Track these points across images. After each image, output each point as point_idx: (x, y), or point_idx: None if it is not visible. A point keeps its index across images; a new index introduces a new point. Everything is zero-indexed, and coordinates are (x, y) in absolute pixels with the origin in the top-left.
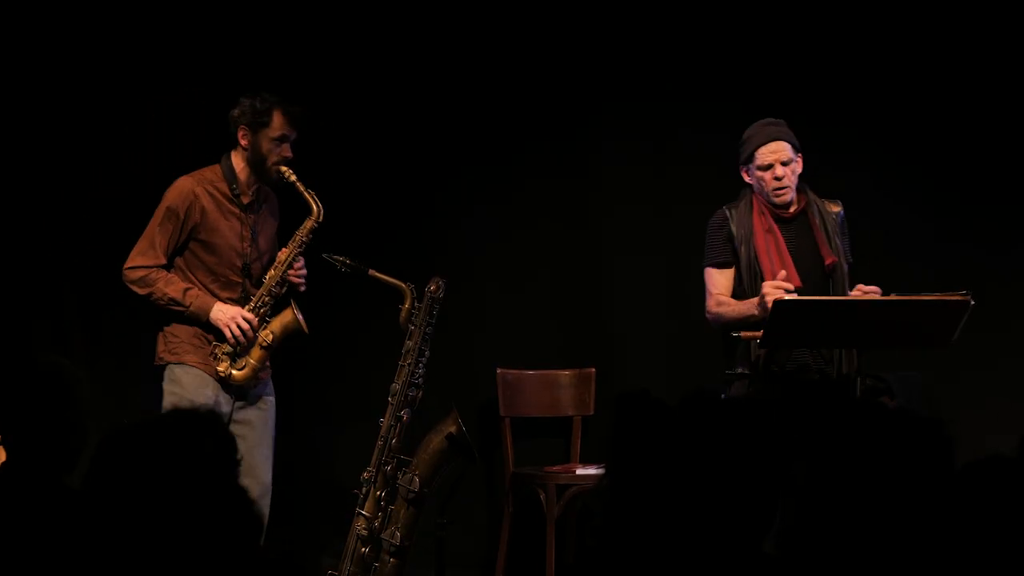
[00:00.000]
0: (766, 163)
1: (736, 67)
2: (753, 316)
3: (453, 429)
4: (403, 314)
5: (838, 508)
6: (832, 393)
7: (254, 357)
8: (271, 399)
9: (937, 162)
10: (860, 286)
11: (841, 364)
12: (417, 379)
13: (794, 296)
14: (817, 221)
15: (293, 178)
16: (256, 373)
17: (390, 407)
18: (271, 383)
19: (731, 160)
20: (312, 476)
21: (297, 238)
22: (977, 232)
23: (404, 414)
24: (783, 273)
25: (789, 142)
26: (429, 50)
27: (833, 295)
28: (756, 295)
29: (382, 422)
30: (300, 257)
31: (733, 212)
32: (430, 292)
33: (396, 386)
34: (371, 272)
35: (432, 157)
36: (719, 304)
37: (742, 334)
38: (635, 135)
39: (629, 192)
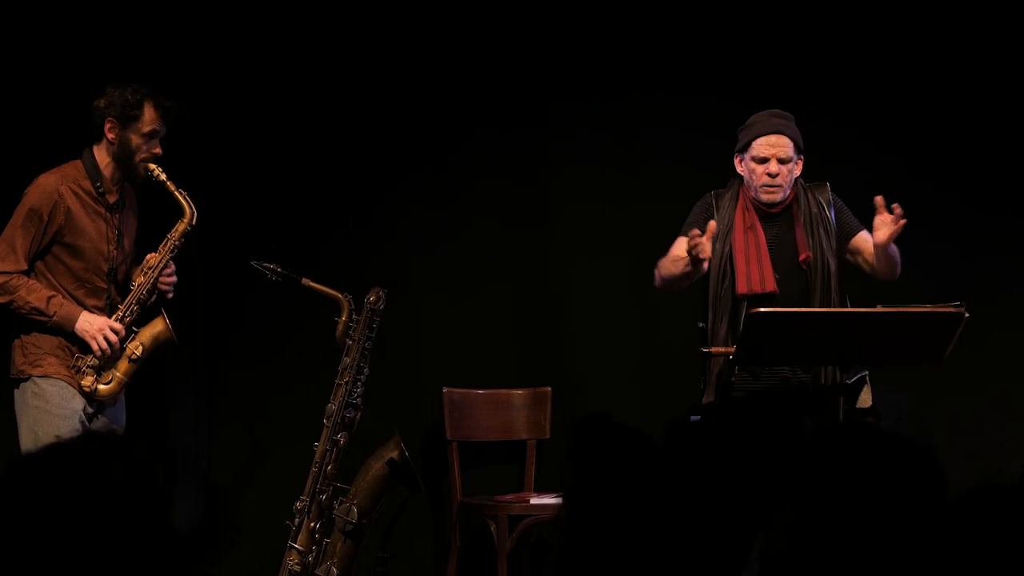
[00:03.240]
0: (762, 155)
1: (705, 57)
2: (686, 274)
3: (395, 454)
4: (340, 327)
5: (821, 540)
6: (813, 414)
7: (121, 370)
8: (123, 417)
9: (932, 162)
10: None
11: (824, 381)
12: (355, 399)
13: (767, 310)
14: (802, 216)
15: (163, 177)
16: (122, 387)
17: (326, 430)
18: (124, 402)
19: (699, 156)
20: (240, 506)
21: (169, 242)
22: (975, 238)
23: (341, 438)
24: (711, 225)
25: (793, 139)
26: (366, 41)
27: (811, 293)
28: (723, 293)
29: (317, 446)
30: (171, 262)
31: (719, 202)
32: (369, 303)
33: (332, 407)
34: (304, 281)
35: (372, 155)
36: (666, 258)
37: (712, 350)
38: (594, 129)
39: (588, 192)
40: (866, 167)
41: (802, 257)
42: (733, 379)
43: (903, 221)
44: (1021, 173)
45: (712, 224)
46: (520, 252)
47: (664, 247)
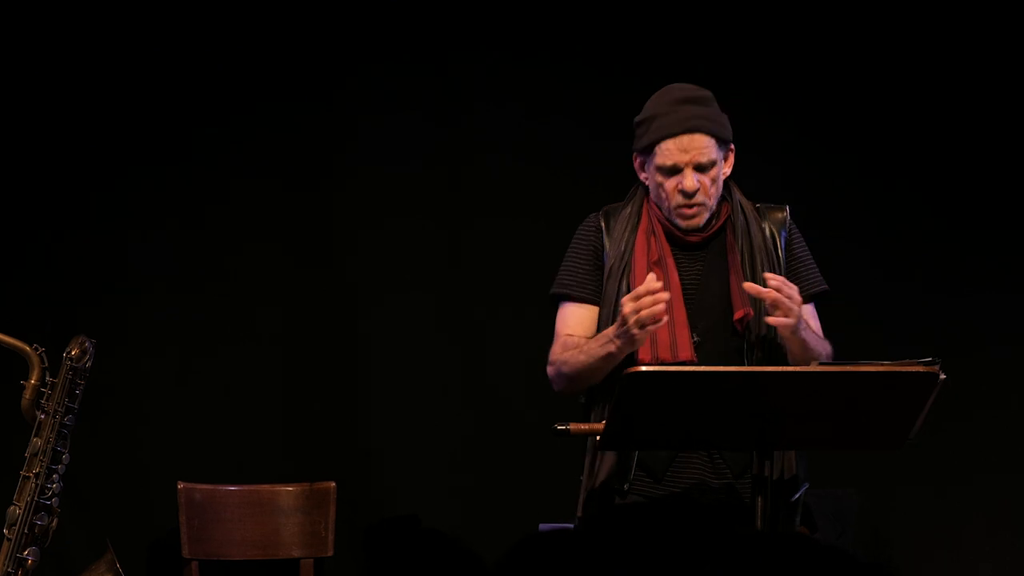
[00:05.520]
0: (670, 164)
1: (576, 7)
2: (611, 356)
3: None
4: (27, 394)
5: None
6: (724, 522)
7: None
8: None
9: (896, 167)
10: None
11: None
12: (49, 499)
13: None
14: (739, 248)
15: None
16: None
17: (7, 544)
18: None
19: (564, 153)
20: None
21: None
22: (951, 270)
23: (29, 555)
24: (652, 277)
25: (713, 134)
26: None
27: (749, 362)
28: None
29: None
30: None
31: (612, 222)
32: (71, 359)
33: (16, 510)
34: None
35: (79, 145)
36: (565, 348)
37: (570, 427)
38: (405, 111)
39: (395, 203)
40: (788, 168)
41: (738, 315)
42: (627, 486)
43: (787, 297)
44: (1010, 183)
45: (653, 280)
46: (293, 288)
47: (502, 283)
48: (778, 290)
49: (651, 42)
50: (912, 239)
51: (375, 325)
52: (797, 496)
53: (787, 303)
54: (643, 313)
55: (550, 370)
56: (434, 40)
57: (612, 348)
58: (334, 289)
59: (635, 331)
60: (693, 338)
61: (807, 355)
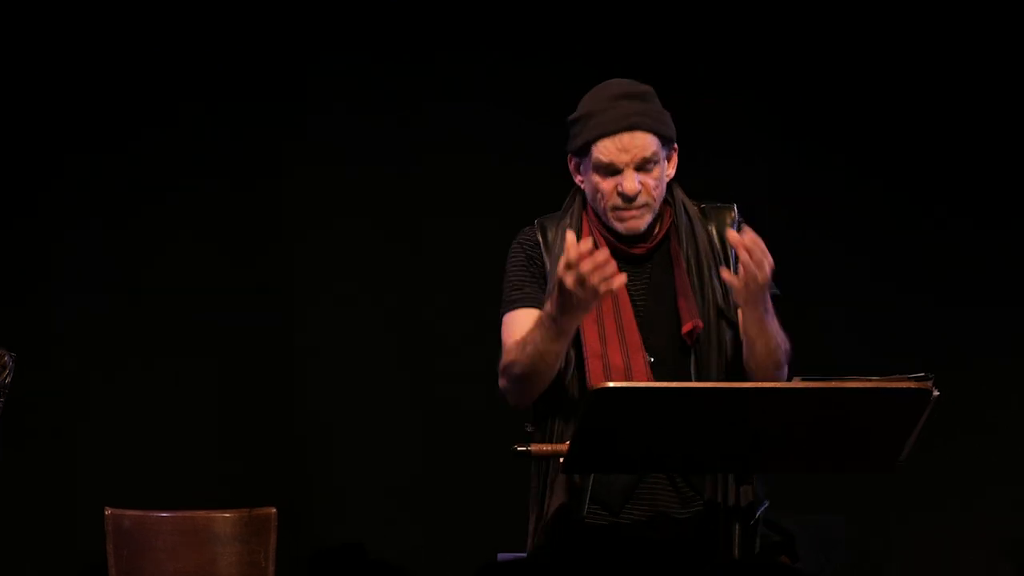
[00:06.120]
0: (607, 161)
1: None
2: (562, 335)
3: None
4: None
5: None
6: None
7: None
8: None
9: (877, 161)
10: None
11: (720, 499)
12: None
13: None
14: (684, 256)
15: None
16: None
17: None
18: None
19: (523, 148)
20: None
21: None
22: (944, 279)
23: None
24: (572, 238)
25: (655, 132)
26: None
27: (698, 377)
28: (568, 383)
29: None
30: None
31: (549, 234)
32: None
33: None
34: None
35: (6, 140)
36: (510, 352)
37: (531, 449)
38: (357, 107)
39: (345, 205)
40: (797, 172)
41: (686, 328)
42: (584, 514)
43: (766, 265)
44: (1011, 183)
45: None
46: (230, 296)
47: (458, 292)
48: (748, 249)
49: (649, 42)
50: (910, 242)
51: (318, 337)
52: (755, 519)
53: (751, 267)
54: (593, 279)
55: (501, 382)
56: (391, 37)
57: (564, 324)
58: (274, 297)
59: (586, 296)
60: (648, 359)
61: (765, 340)
